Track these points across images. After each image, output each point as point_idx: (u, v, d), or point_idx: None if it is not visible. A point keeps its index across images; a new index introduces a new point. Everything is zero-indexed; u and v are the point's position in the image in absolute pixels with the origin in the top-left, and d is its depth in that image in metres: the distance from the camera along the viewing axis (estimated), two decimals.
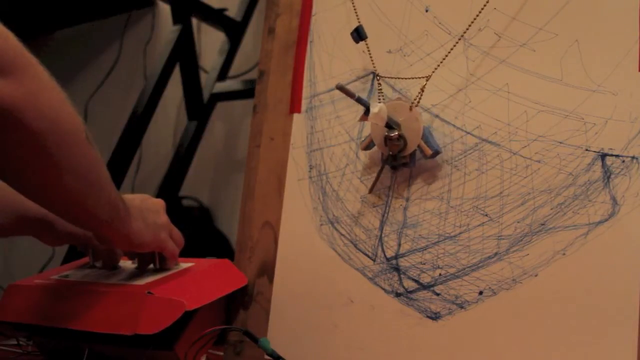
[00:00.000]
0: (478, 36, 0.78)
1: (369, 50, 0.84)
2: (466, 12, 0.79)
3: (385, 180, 0.82)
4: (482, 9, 0.77)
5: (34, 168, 0.66)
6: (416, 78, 0.81)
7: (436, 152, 0.78)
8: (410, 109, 0.78)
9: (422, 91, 0.79)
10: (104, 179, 0.73)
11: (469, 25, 0.78)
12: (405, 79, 0.82)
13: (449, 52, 0.79)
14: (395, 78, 0.83)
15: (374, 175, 0.82)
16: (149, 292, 0.78)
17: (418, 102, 0.79)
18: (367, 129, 0.83)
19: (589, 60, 0.71)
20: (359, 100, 0.78)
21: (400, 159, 0.79)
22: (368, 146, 0.82)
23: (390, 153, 0.79)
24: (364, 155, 0.84)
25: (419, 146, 0.78)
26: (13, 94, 0.60)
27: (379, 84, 0.83)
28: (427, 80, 0.79)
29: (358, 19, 0.86)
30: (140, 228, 0.80)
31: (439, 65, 0.80)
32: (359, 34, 0.83)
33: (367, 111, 0.79)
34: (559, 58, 0.73)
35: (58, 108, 0.65)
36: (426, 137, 0.78)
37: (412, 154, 0.79)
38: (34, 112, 0.62)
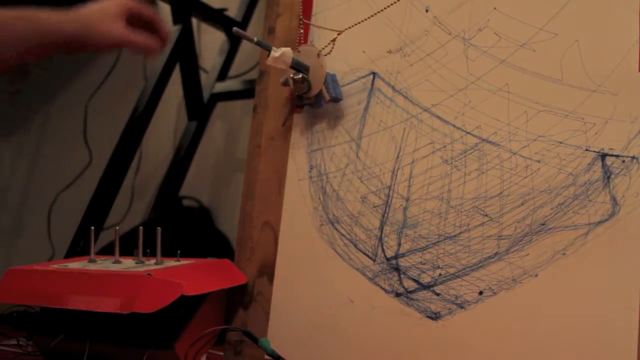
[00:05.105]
0: (478, 36, 0.78)
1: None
2: (466, 12, 0.79)
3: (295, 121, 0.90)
4: None
5: None
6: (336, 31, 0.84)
7: (335, 99, 0.86)
8: (318, 55, 0.86)
9: (334, 41, 0.87)
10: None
11: None
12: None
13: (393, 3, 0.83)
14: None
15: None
16: (147, 274, 0.78)
17: (329, 52, 0.86)
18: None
19: (589, 60, 0.71)
20: (258, 44, 0.85)
21: (305, 99, 0.87)
22: (285, 82, 0.89)
23: (296, 93, 0.87)
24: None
25: (320, 90, 0.85)
26: None
27: (301, 27, 0.91)
28: (338, 34, 0.87)
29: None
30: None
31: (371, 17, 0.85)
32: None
33: (270, 54, 0.85)
34: (559, 58, 0.73)
35: None
36: (328, 83, 0.85)
37: (317, 97, 0.86)
38: None
